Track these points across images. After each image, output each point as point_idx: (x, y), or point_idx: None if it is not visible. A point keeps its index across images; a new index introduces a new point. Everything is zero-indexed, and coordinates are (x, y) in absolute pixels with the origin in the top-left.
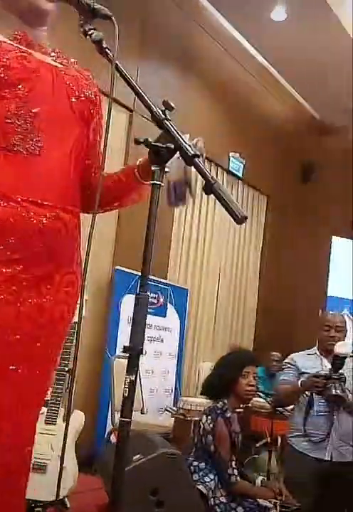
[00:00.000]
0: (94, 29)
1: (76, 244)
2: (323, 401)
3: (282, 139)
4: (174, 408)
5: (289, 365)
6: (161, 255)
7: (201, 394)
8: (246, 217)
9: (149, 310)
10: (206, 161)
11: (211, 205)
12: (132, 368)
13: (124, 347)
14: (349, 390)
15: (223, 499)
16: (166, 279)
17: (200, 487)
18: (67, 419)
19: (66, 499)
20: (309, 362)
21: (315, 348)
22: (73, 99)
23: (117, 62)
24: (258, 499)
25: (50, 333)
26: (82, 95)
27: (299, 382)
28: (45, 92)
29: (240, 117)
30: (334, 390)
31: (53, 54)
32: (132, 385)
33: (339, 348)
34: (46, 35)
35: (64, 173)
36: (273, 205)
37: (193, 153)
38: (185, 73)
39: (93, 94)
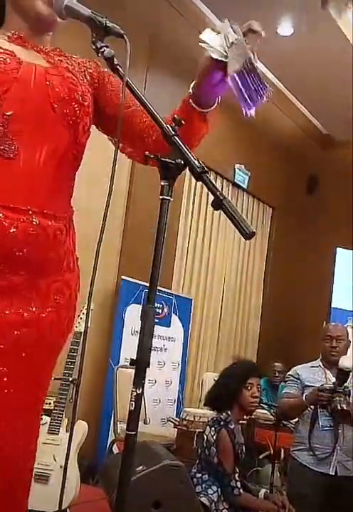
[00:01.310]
0: (106, 46)
1: (62, 249)
2: (328, 415)
3: (288, 151)
4: (177, 419)
5: (292, 378)
6: (165, 265)
7: (205, 405)
8: (254, 233)
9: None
10: (211, 172)
11: (216, 216)
12: (139, 381)
13: (131, 360)
14: None
15: None
16: (170, 288)
17: (203, 499)
18: (71, 431)
19: (68, 510)
20: (313, 375)
21: (319, 360)
22: (55, 101)
23: (128, 78)
24: None
25: (38, 343)
26: (67, 97)
27: (304, 396)
28: (23, 93)
29: (245, 129)
30: (339, 405)
31: (48, 52)
32: (138, 398)
33: (344, 361)
34: (50, 39)
35: (44, 176)
36: (278, 217)
37: (201, 169)
38: None
39: (80, 95)
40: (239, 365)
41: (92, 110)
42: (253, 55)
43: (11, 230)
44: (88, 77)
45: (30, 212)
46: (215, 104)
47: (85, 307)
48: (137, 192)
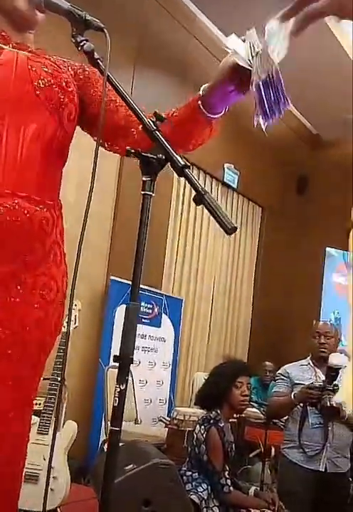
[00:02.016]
0: (86, 40)
1: (49, 240)
2: (317, 413)
3: (277, 151)
4: (168, 418)
5: (281, 377)
6: (155, 265)
7: (195, 404)
8: (236, 228)
9: (143, 320)
10: (200, 172)
11: (206, 215)
12: (123, 377)
13: (115, 356)
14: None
15: (216, 509)
16: (160, 289)
17: (193, 497)
18: (54, 429)
19: (58, 509)
20: (303, 373)
21: (308, 358)
22: (38, 86)
23: (108, 73)
24: (251, 509)
25: (24, 341)
26: (51, 82)
27: (292, 394)
28: (4, 77)
29: (234, 129)
30: (328, 402)
31: (30, 50)
32: (121, 395)
33: (333, 358)
34: (32, 37)
35: (28, 160)
36: (268, 217)
37: (183, 164)
38: (180, 84)
39: (64, 81)
40: (229, 365)
41: (77, 100)
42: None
43: None
44: (72, 72)
45: (15, 196)
46: (222, 112)
47: (72, 306)
48: (125, 192)
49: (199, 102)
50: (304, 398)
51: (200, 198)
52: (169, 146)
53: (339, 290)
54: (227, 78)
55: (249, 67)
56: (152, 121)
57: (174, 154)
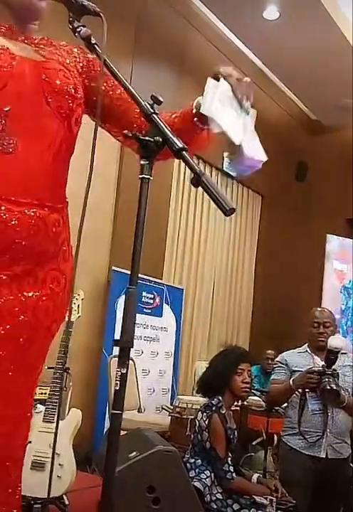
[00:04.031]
0: (83, 26)
1: (60, 240)
2: (317, 399)
3: (277, 138)
4: (171, 407)
5: (280, 365)
6: (156, 255)
7: (197, 392)
8: (234, 209)
9: (145, 310)
10: (199, 161)
11: (206, 204)
12: (123, 361)
13: (114, 340)
14: (346, 388)
15: (219, 496)
16: (161, 279)
17: (196, 484)
18: (57, 416)
19: (65, 496)
20: (301, 359)
21: (306, 345)
22: (49, 95)
23: (105, 57)
24: (254, 496)
25: (35, 329)
26: (61, 90)
27: (291, 380)
28: (19, 88)
29: None
30: (328, 385)
31: (38, 44)
32: (123, 378)
33: (333, 341)
34: (37, 28)
35: (41, 169)
36: (268, 204)
37: (180, 146)
38: (179, 72)
39: (73, 87)
40: (230, 352)
41: (83, 101)
42: (249, 102)
43: (12, 223)
44: (79, 67)
45: (30, 204)
46: None
47: (75, 297)
48: (127, 182)
49: (195, 119)
50: (303, 383)
51: (198, 180)
52: (166, 129)
53: (339, 277)
54: None
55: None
56: (149, 105)
57: (172, 136)
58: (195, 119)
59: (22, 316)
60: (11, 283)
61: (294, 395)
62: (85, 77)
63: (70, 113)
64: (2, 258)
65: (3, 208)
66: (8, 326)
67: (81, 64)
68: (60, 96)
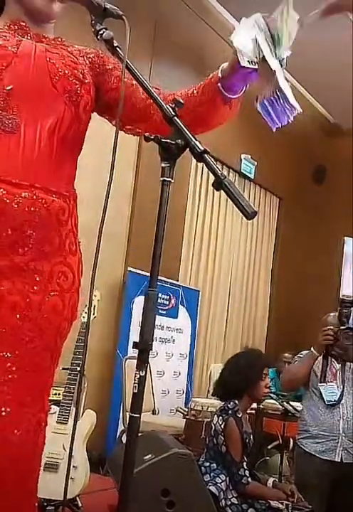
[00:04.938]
0: (105, 28)
1: (65, 230)
2: (332, 388)
3: (295, 141)
4: (186, 409)
5: (299, 355)
6: (172, 257)
7: (213, 394)
8: (256, 213)
9: (160, 311)
10: (217, 162)
11: (223, 206)
12: (142, 363)
13: (134, 343)
14: None
15: (234, 500)
16: (177, 280)
17: (211, 488)
18: (75, 418)
19: (78, 498)
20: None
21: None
22: (56, 77)
23: (127, 60)
24: (270, 501)
25: (42, 328)
26: (68, 73)
27: (312, 347)
28: (23, 68)
29: (251, 118)
30: (345, 340)
31: (48, 42)
32: (141, 381)
33: (345, 290)
34: (52, 27)
35: (45, 152)
36: (285, 207)
37: (202, 149)
38: (197, 74)
39: (81, 72)
40: (255, 355)
41: (93, 91)
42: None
43: (13, 206)
44: (88, 62)
45: (33, 187)
46: (243, 91)
47: (92, 298)
48: (143, 183)
49: (219, 84)
50: (321, 341)
51: (219, 183)
52: (188, 132)
53: None
54: (237, 69)
55: (254, 66)
56: (171, 107)
57: (193, 139)
58: (219, 85)
59: (28, 314)
60: (12, 276)
61: (312, 390)
62: (98, 72)
63: (78, 98)
64: (2, 242)
65: (2, 190)
66: (11, 324)
67: (93, 59)
68: (67, 79)
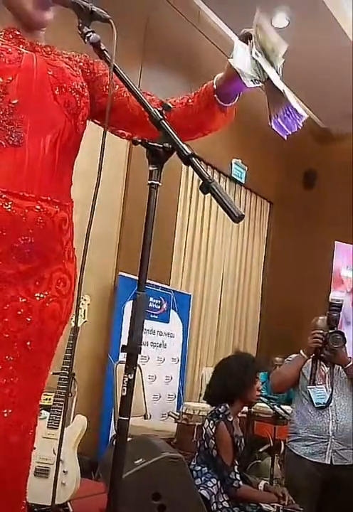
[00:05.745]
0: (92, 31)
1: (65, 239)
2: (321, 391)
3: (285, 146)
4: (177, 413)
5: (288, 359)
6: (163, 261)
7: (204, 398)
8: (243, 216)
9: (152, 316)
10: (208, 167)
11: (214, 211)
12: (131, 367)
13: (122, 346)
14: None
15: (225, 504)
16: (168, 284)
17: (202, 492)
18: (62, 422)
19: (69, 503)
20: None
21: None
22: (57, 90)
23: (114, 63)
24: (261, 503)
25: (42, 333)
26: (68, 86)
27: (301, 350)
28: (26, 82)
29: (242, 123)
30: (333, 342)
31: (44, 50)
32: (130, 384)
33: (334, 294)
34: (43, 34)
35: (48, 164)
36: (276, 212)
37: (190, 152)
38: (187, 78)
39: (80, 85)
40: (248, 359)
41: (89, 102)
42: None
43: (22, 219)
44: (79, 71)
45: (38, 200)
46: (237, 99)
47: (80, 301)
48: (133, 187)
49: (215, 96)
50: (310, 344)
51: (206, 186)
52: (175, 135)
53: (347, 284)
54: (234, 83)
55: (258, 84)
56: (158, 111)
57: (181, 143)
58: (215, 96)
59: (28, 319)
60: (16, 283)
61: (301, 393)
62: (89, 78)
63: (77, 110)
64: (10, 255)
65: (10, 203)
66: (14, 330)
67: (83, 66)
68: (67, 92)
